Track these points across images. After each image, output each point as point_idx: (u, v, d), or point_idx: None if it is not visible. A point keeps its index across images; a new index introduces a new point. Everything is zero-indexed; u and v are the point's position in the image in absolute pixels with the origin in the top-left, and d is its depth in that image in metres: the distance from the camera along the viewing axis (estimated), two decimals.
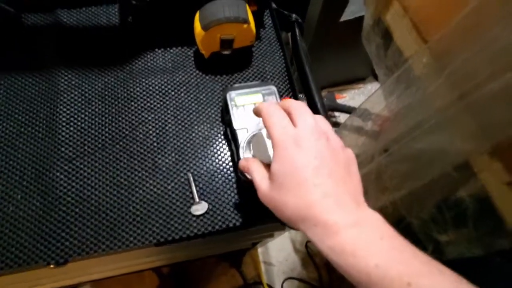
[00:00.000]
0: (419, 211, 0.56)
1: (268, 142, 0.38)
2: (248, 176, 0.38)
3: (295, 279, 1.16)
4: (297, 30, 0.56)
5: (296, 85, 0.49)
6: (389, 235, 0.25)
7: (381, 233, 0.25)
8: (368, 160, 0.68)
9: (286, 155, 0.28)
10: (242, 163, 0.35)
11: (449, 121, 0.50)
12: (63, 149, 0.42)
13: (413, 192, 0.56)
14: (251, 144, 0.38)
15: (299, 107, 0.31)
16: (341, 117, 1.43)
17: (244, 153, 0.39)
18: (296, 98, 0.48)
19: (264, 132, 0.38)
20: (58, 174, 0.41)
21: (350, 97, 1.53)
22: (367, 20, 0.67)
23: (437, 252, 0.52)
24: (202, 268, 1.14)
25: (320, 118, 0.31)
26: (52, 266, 0.37)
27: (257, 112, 0.33)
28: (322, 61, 1.19)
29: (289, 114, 0.31)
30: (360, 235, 0.25)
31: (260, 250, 1.18)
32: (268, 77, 0.50)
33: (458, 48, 0.47)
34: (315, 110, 0.50)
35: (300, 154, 0.28)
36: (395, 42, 0.62)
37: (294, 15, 0.56)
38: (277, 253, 1.19)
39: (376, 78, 1.54)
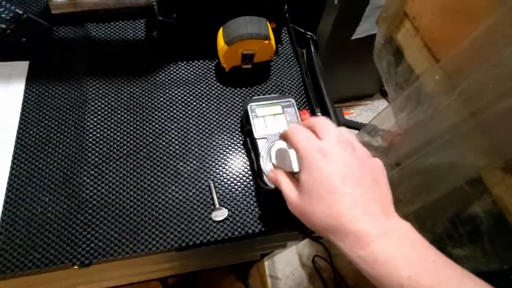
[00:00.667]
0: (433, 225, 0.57)
1: (290, 151, 0.39)
2: (272, 186, 0.39)
3: None
4: (312, 47, 0.59)
5: (312, 98, 0.51)
6: (421, 246, 0.26)
7: (412, 244, 0.26)
8: None
9: (314, 165, 0.29)
10: (271, 175, 0.35)
11: (461, 138, 0.52)
12: (90, 154, 0.44)
13: (427, 206, 0.57)
14: (271, 153, 0.40)
15: (322, 121, 0.32)
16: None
17: (265, 162, 0.41)
18: (313, 110, 0.50)
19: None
20: (85, 178, 0.42)
21: (357, 113, 1.55)
22: (379, 38, 0.69)
23: None
24: (209, 280, 1.13)
25: (344, 129, 0.32)
26: (76, 267, 0.38)
27: (284, 135, 0.35)
28: (332, 77, 1.22)
29: (313, 131, 0.32)
30: (392, 245, 0.25)
31: (266, 263, 1.18)
32: (286, 90, 0.52)
33: (470, 68, 0.49)
34: None
35: (327, 163, 0.28)
36: (406, 60, 0.64)
37: (309, 33, 0.59)
38: (284, 267, 1.19)
39: (383, 95, 1.56)
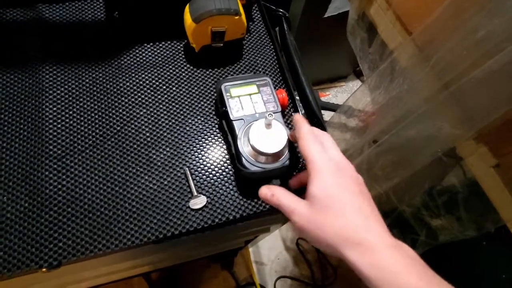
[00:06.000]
0: (411, 198, 0.58)
1: (268, 131, 0.38)
2: (251, 168, 0.38)
3: (288, 277, 1.16)
4: (285, 25, 0.57)
5: (288, 76, 0.49)
6: (423, 264, 0.27)
7: (418, 258, 0.27)
8: (358, 152, 0.69)
9: (329, 180, 0.30)
10: (264, 191, 0.35)
11: (437, 109, 0.52)
12: (51, 147, 0.40)
13: (405, 181, 0.58)
14: (249, 135, 0.38)
15: (327, 137, 0.35)
16: (326, 115, 1.46)
17: (243, 144, 0.39)
18: (289, 89, 0.48)
19: (262, 121, 0.38)
20: (47, 173, 0.39)
21: (333, 95, 1.56)
22: (352, 15, 0.68)
23: (430, 237, 0.54)
24: (193, 272, 1.12)
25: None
26: (44, 270, 0.35)
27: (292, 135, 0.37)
28: (305, 59, 1.21)
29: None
30: (402, 256, 0.27)
31: (251, 249, 1.18)
32: (260, 69, 0.50)
33: (442, 38, 0.49)
34: (308, 104, 0.50)
35: (343, 179, 0.31)
36: (379, 35, 0.63)
37: (282, 10, 0.57)
38: (269, 252, 1.19)
39: (357, 76, 1.57)
